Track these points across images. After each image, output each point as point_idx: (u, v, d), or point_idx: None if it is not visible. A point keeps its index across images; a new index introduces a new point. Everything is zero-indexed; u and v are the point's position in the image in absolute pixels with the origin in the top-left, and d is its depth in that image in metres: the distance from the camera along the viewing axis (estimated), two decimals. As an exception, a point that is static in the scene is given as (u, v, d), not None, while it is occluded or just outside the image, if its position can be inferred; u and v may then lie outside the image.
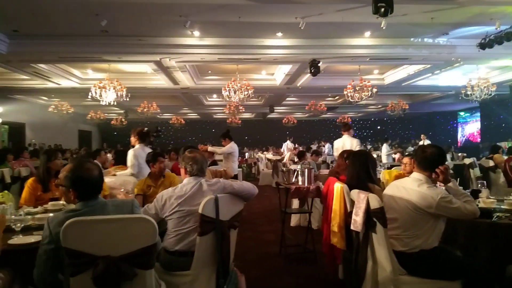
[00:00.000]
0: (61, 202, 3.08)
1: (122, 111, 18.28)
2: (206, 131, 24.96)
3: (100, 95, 9.35)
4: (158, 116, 18.37)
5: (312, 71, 8.97)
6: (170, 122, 20.27)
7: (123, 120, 18.38)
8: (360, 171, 3.11)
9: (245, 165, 11.70)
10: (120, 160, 5.59)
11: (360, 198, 2.67)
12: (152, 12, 6.57)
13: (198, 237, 2.32)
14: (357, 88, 9.73)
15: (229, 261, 2.43)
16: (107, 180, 3.90)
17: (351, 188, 3.03)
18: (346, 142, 6.40)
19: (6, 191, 3.02)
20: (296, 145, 13.88)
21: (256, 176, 12.20)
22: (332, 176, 3.61)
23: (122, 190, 3.58)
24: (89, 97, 9.61)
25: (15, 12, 6.60)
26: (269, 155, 13.02)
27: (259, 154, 14.25)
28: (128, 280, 1.67)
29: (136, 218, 1.78)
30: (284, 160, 10.37)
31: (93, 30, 7.48)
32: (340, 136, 6.80)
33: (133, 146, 4.80)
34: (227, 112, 15.23)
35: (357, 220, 2.67)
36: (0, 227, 1.94)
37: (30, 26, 7.44)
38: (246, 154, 14.08)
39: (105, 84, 9.34)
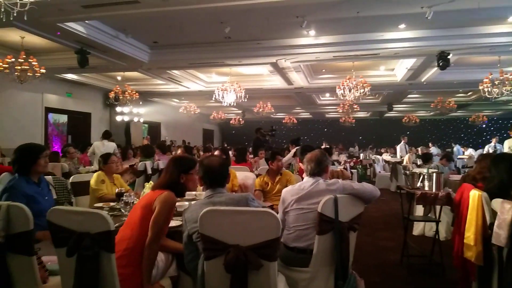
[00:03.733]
0: (194, 192, 3.44)
1: (240, 111, 19.49)
2: (318, 130, 24.84)
3: (222, 97, 10.14)
4: (272, 115, 19.01)
5: (441, 64, 8.11)
6: (283, 121, 20.77)
7: (241, 119, 19.59)
8: (504, 177, 2.69)
9: (360, 166, 11.23)
10: (241, 157, 5.97)
11: (505, 208, 2.32)
12: (271, 15, 6.82)
13: (317, 235, 2.33)
14: (496, 82, 8.42)
15: (348, 264, 2.37)
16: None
17: (492, 196, 2.64)
18: None
19: (150, 182, 3.52)
20: (419, 148, 12.65)
21: (372, 179, 11.60)
22: (468, 183, 3.19)
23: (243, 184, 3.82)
24: (213, 99, 10.52)
25: (155, 26, 7.64)
26: (387, 157, 12.22)
27: (376, 155, 13.52)
28: (254, 269, 1.77)
29: (262, 212, 1.87)
30: (404, 163, 9.62)
31: (217, 37, 8.16)
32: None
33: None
34: (341, 111, 14.85)
35: (501, 233, 2.33)
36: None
37: (166, 38, 8.53)
38: (361, 155, 13.51)
39: (226, 86, 10.10)
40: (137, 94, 11.52)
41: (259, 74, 12.07)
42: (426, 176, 3.82)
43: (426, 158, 6.57)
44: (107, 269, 1.86)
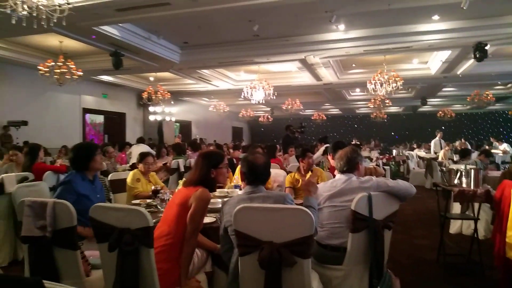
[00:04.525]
0: (225, 190, 3.51)
1: (268, 109, 19.50)
2: (347, 126, 24.42)
3: (251, 95, 10.20)
4: (300, 112, 18.89)
5: (477, 56, 7.75)
6: (312, 118, 20.58)
7: (269, 117, 19.60)
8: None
9: (393, 162, 10.94)
10: (271, 154, 5.99)
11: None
12: (299, 12, 6.78)
13: (351, 233, 2.31)
14: (539, 73, 7.98)
15: (383, 262, 2.34)
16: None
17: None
18: None
19: (184, 179, 3.61)
20: (456, 143, 12.14)
21: (405, 175, 11.29)
22: (507, 179, 3.06)
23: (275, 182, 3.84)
24: (242, 97, 10.60)
25: (185, 27, 7.79)
26: (421, 153, 11.83)
27: (409, 151, 13.11)
28: (288, 266, 1.79)
29: (296, 209, 1.89)
30: (440, 159, 9.30)
31: (246, 36, 8.21)
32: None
33: None
34: (372, 106, 14.54)
35: (547, 233, 2.21)
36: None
37: (196, 38, 8.67)
38: (394, 151, 13.15)
39: (255, 84, 10.15)
40: (168, 94, 11.80)
41: (287, 71, 12.03)
42: (463, 173, 3.69)
43: (464, 154, 6.31)
44: (146, 264, 1.94)
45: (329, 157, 4.23)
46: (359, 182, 2.47)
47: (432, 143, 11.88)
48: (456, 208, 4.86)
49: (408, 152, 12.86)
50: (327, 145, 6.30)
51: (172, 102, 13.63)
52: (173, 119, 15.26)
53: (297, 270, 1.82)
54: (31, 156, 4.66)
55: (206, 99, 17.40)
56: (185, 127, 18.07)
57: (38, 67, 7.78)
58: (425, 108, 19.10)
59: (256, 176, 2.19)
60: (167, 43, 8.91)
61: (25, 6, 4.22)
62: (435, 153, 10.95)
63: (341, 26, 7.53)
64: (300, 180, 4.18)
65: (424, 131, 19.57)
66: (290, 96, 14.84)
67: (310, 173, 4.22)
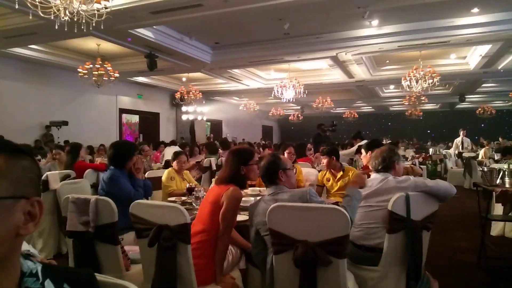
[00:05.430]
0: (258, 188, 3.54)
1: (298, 107, 19.39)
2: (381, 124, 23.81)
3: (281, 93, 10.19)
4: (331, 110, 18.65)
5: (521, 49, 7.35)
6: (343, 116, 20.24)
7: (299, 115, 19.48)
8: None
9: (429, 162, 10.54)
10: (301, 153, 5.96)
11: None
12: (330, 8, 6.69)
13: (387, 234, 2.26)
14: None
15: (421, 264, 2.27)
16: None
17: None
18: None
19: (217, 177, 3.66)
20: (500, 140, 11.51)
21: (442, 175, 10.85)
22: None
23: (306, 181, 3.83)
24: (272, 95, 10.61)
25: (216, 27, 7.90)
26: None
27: (447, 150, 12.58)
28: (323, 265, 1.78)
29: (331, 209, 1.87)
30: (479, 158, 8.89)
31: (276, 34, 8.21)
32: None
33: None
34: (406, 103, 14.11)
35: None
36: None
37: (227, 38, 8.77)
38: (431, 150, 12.68)
39: (285, 83, 10.12)
40: (200, 93, 12.02)
41: (318, 68, 11.90)
42: (506, 172, 3.51)
43: (507, 152, 5.98)
44: (183, 260, 1.99)
45: (364, 155, 4.11)
46: (396, 181, 2.41)
47: (454, 142, 11.26)
48: (498, 209, 4.62)
49: (445, 150, 12.35)
50: (365, 141, 6.15)
51: (204, 102, 13.87)
52: (205, 118, 15.52)
53: (333, 270, 1.80)
54: (73, 154, 4.88)
55: (237, 98, 17.57)
56: (215, 126, 18.34)
57: (78, 69, 8.15)
58: (463, 105, 18.31)
59: (268, 177, 2.21)
60: (199, 44, 9.08)
61: (67, 12, 4.44)
62: (456, 153, 10.48)
63: (375, 22, 7.37)
64: (331, 179, 4.14)
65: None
66: (320, 94, 14.69)
67: (341, 172, 4.16)
